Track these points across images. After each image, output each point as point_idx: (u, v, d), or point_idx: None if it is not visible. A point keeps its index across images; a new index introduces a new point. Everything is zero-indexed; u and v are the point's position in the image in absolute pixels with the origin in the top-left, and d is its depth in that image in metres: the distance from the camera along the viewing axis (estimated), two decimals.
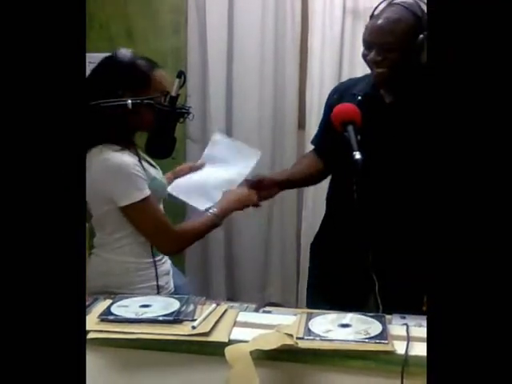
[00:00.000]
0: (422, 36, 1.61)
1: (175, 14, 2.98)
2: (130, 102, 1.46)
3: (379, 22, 1.64)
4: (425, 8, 1.62)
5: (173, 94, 1.51)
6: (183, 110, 1.54)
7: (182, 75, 1.51)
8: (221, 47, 2.91)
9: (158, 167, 1.71)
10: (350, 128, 1.48)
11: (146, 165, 1.58)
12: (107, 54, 1.61)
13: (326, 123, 1.80)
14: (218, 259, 3.06)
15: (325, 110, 1.90)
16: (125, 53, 1.58)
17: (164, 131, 1.53)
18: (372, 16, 1.69)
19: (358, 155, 1.42)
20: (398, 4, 1.66)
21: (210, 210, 1.61)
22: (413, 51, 1.63)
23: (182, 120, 1.55)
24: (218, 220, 1.62)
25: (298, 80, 2.88)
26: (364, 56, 1.70)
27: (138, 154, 1.57)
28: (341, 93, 1.85)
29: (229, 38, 2.91)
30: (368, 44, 1.67)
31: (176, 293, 1.64)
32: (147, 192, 1.50)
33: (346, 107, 1.54)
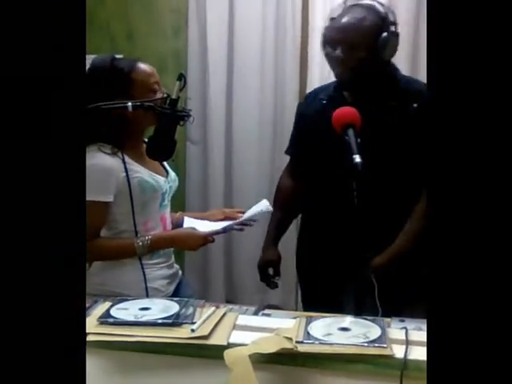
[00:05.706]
0: (385, 34, 1.69)
1: (176, 16, 2.99)
2: (130, 104, 1.46)
3: (344, 20, 1.71)
4: (384, 9, 1.73)
5: (173, 96, 1.51)
6: (183, 113, 1.54)
7: (182, 78, 1.51)
8: (221, 49, 2.91)
9: (165, 169, 1.75)
10: (351, 131, 1.48)
11: (135, 168, 1.59)
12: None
13: (299, 131, 2.00)
14: (218, 261, 3.06)
15: (296, 119, 2.03)
16: (99, 60, 1.59)
17: (165, 134, 1.53)
18: (332, 18, 1.76)
19: (357, 158, 1.42)
20: (359, 5, 1.74)
21: (147, 237, 1.60)
22: (377, 49, 1.69)
23: (182, 123, 1.55)
24: (142, 250, 1.60)
25: (299, 82, 2.88)
26: (328, 55, 1.76)
27: (123, 158, 1.57)
28: (310, 100, 1.97)
29: (229, 41, 2.91)
30: (333, 43, 1.72)
31: None
32: (98, 197, 1.51)
33: (346, 111, 1.53)
